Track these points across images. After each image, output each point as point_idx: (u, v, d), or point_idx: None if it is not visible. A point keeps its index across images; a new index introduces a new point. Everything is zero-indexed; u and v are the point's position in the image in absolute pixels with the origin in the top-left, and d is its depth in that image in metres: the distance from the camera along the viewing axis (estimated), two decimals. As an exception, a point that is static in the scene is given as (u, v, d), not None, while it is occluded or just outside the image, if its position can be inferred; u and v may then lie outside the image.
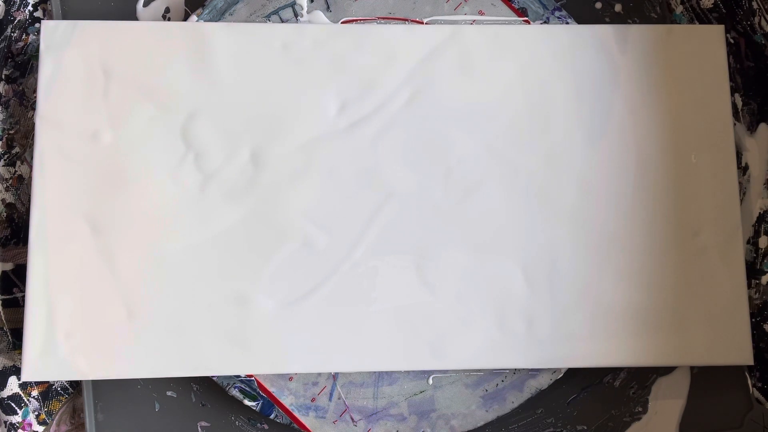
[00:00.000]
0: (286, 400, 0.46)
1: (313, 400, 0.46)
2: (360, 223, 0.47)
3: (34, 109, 0.49)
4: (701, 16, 0.52)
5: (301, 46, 0.48)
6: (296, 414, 0.46)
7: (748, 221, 0.50)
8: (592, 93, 0.48)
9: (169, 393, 0.47)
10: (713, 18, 0.52)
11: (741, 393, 0.48)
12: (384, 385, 0.47)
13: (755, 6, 0.51)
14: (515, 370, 0.47)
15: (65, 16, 0.49)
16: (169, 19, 0.50)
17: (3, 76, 0.50)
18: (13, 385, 0.47)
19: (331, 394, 0.46)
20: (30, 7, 0.50)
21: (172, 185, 0.46)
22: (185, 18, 0.50)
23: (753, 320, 0.49)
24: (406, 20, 0.50)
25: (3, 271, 0.48)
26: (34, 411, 0.47)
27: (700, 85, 0.49)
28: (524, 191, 0.47)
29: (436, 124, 0.48)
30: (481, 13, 0.50)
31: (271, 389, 0.46)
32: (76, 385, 0.48)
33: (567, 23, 0.50)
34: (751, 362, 0.47)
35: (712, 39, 0.50)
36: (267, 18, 0.50)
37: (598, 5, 0.52)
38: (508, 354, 0.46)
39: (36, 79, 0.49)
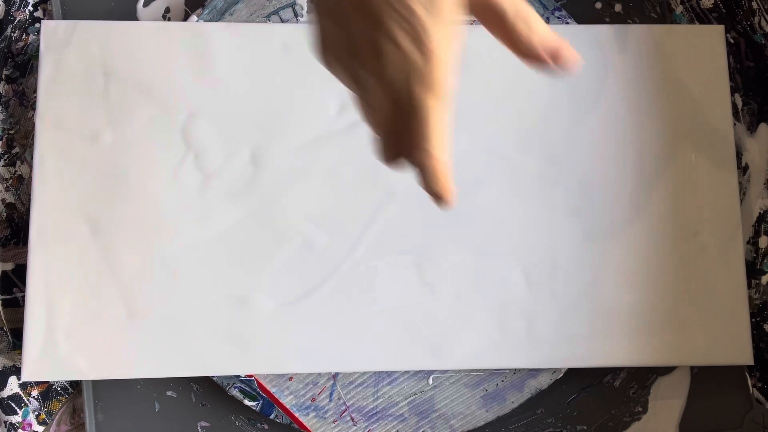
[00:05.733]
0: (286, 400, 0.46)
1: (313, 400, 0.46)
2: (360, 223, 0.47)
3: (34, 109, 0.49)
4: (701, 16, 0.52)
5: (301, 46, 0.48)
6: (296, 414, 0.46)
7: (748, 221, 0.50)
8: (592, 93, 0.48)
9: (169, 393, 0.47)
10: (713, 18, 0.52)
11: (741, 393, 0.48)
12: (384, 385, 0.47)
13: (755, 6, 0.51)
14: (515, 370, 0.47)
15: (65, 16, 0.49)
16: (169, 19, 0.50)
17: (3, 76, 0.50)
18: (13, 385, 0.47)
19: (331, 394, 0.46)
20: (30, 7, 0.50)
21: (172, 185, 0.46)
22: (185, 18, 0.50)
23: (753, 320, 0.49)
24: (406, 20, 0.50)
25: (3, 271, 0.48)
26: (34, 411, 0.47)
27: (700, 85, 0.49)
28: (524, 191, 0.47)
29: (436, 124, 0.48)
30: (481, 13, 0.50)
31: (271, 389, 0.46)
32: (76, 385, 0.48)
33: (567, 23, 0.50)
34: (751, 362, 0.47)
35: (712, 39, 0.50)
36: (267, 18, 0.50)
37: (598, 5, 0.52)
38: (508, 354, 0.46)
39: (36, 79, 0.49)
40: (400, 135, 0.27)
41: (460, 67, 0.48)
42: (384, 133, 0.28)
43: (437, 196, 0.28)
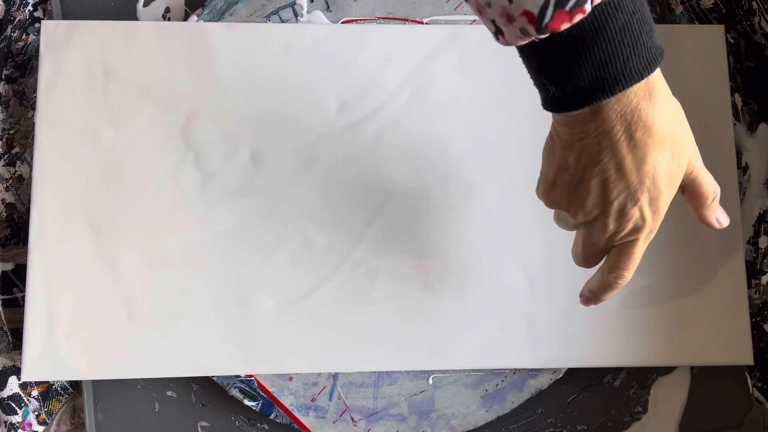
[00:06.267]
0: (286, 400, 0.46)
1: (313, 400, 0.46)
2: (360, 223, 0.47)
3: (34, 109, 0.49)
4: (701, 16, 0.52)
5: (301, 46, 0.48)
6: (296, 414, 0.46)
7: (748, 221, 0.50)
8: (592, 93, 0.48)
9: (169, 393, 0.47)
10: (713, 18, 0.52)
11: (741, 393, 0.48)
12: (384, 385, 0.47)
13: (755, 6, 0.51)
14: (515, 370, 0.47)
15: (65, 16, 0.49)
16: (169, 19, 0.50)
17: (3, 76, 0.50)
18: (13, 385, 0.47)
19: (331, 394, 0.46)
20: (30, 7, 0.50)
21: (172, 185, 0.46)
22: (185, 18, 0.50)
23: (753, 320, 0.49)
24: (406, 20, 0.50)
25: (3, 271, 0.48)
26: (34, 411, 0.47)
27: (700, 85, 0.49)
28: (524, 191, 0.47)
29: (435, 123, 0.48)
30: (481, 13, 0.50)
31: (271, 389, 0.46)
32: (76, 385, 0.48)
33: (567, 23, 0.50)
34: (751, 362, 0.47)
35: (712, 39, 0.50)
36: (267, 18, 0.50)
37: (598, 5, 0.52)
38: (508, 354, 0.46)
39: (36, 79, 0.49)
40: (603, 255, 0.35)
41: (461, 68, 0.48)
42: (590, 251, 0.35)
43: (598, 300, 0.37)
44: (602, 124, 0.31)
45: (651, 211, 0.33)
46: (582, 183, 0.33)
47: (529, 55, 0.31)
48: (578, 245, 0.36)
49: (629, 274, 0.35)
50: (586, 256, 0.36)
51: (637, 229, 0.33)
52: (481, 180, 0.47)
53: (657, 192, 0.32)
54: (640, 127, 0.30)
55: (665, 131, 0.31)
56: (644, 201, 0.32)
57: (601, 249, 0.35)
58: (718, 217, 0.36)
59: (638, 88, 0.30)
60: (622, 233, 0.33)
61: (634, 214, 0.32)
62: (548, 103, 0.32)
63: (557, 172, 0.34)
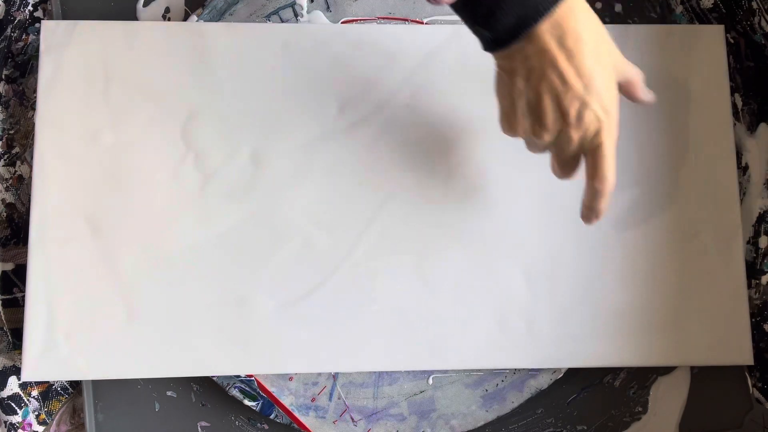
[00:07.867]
0: (286, 400, 0.46)
1: (313, 400, 0.46)
2: (360, 223, 0.47)
3: (34, 109, 0.49)
4: (701, 16, 0.52)
5: (301, 46, 0.48)
6: (296, 414, 0.46)
7: (748, 221, 0.50)
8: (592, 93, 0.48)
9: (169, 393, 0.47)
10: (713, 18, 0.52)
11: (741, 393, 0.48)
12: (384, 385, 0.47)
13: (755, 6, 0.51)
14: (515, 370, 0.47)
15: (65, 16, 0.49)
16: (169, 19, 0.50)
17: (3, 76, 0.50)
18: (13, 385, 0.47)
19: (331, 394, 0.46)
20: (30, 7, 0.50)
21: (172, 185, 0.46)
22: (185, 18, 0.50)
23: (753, 320, 0.49)
24: (406, 20, 0.50)
25: (3, 271, 0.48)
26: (34, 411, 0.47)
27: (700, 85, 0.49)
28: (524, 191, 0.47)
29: (436, 123, 0.48)
30: (481, 13, 0.50)
31: (271, 389, 0.46)
32: (76, 385, 0.48)
33: (567, 23, 0.50)
34: (751, 362, 0.47)
35: (712, 39, 0.50)
36: (267, 18, 0.50)
37: (598, 5, 0.52)
38: (508, 354, 0.46)
39: (36, 79, 0.49)
40: (577, 165, 0.39)
41: (461, 68, 0.48)
42: (566, 165, 0.39)
43: (596, 212, 0.39)
44: (538, 44, 0.35)
45: (603, 111, 0.36)
46: (538, 104, 0.36)
47: (460, 9, 0.36)
48: (553, 161, 0.40)
49: (611, 175, 0.37)
50: (562, 167, 0.39)
51: (598, 132, 0.36)
52: (480, 180, 0.47)
53: (601, 91, 0.35)
54: (569, 37, 0.34)
55: (592, 36, 0.35)
56: (594, 103, 0.35)
57: (572, 157, 0.38)
58: (648, 96, 0.40)
59: (560, 9, 0.34)
60: (587, 139, 0.36)
61: (590, 116, 0.35)
62: (488, 46, 0.37)
63: (513, 100, 0.37)
